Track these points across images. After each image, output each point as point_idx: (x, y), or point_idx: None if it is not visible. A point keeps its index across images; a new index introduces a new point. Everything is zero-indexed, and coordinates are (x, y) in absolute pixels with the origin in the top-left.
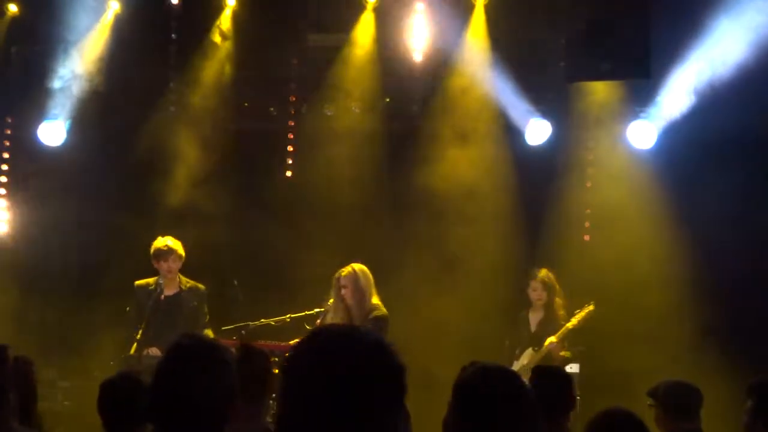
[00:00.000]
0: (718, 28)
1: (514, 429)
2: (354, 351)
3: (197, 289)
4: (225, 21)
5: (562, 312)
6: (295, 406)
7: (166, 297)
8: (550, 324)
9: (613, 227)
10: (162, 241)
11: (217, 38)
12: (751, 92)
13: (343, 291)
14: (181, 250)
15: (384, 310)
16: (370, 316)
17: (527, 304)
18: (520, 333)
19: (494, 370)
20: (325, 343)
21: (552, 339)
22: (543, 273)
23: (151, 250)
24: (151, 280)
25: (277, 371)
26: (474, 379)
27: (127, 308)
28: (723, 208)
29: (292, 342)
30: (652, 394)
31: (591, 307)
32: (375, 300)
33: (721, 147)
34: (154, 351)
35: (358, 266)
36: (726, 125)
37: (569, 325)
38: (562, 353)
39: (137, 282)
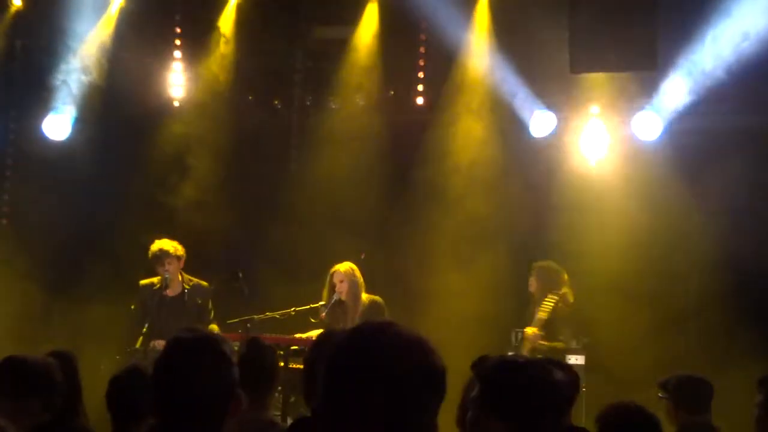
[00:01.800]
0: (724, 19)
1: (550, 419)
2: (396, 349)
3: (201, 286)
4: (227, 20)
5: (561, 305)
6: (334, 399)
7: (170, 296)
8: (550, 318)
9: (616, 219)
10: (157, 246)
11: (220, 38)
12: (757, 83)
13: (338, 285)
14: (178, 252)
15: (378, 298)
16: (370, 302)
17: (531, 299)
18: (524, 321)
19: (524, 361)
20: (369, 340)
21: (527, 330)
22: (537, 265)
23: (149, 256)
24: (155, 279)
25: (282, 364)
26: (505, 371)
27: (132, 306)
28: (729, 199)
29: (299, 335)
30: (663, 386)
31: (554, 296)
32: (365, 295)
33: (727, 138)
34: (160, 344)
35: (351, 263)
36: (731, 116)
37: (541, 314)
38: (545, 343)
39: (141, 281)
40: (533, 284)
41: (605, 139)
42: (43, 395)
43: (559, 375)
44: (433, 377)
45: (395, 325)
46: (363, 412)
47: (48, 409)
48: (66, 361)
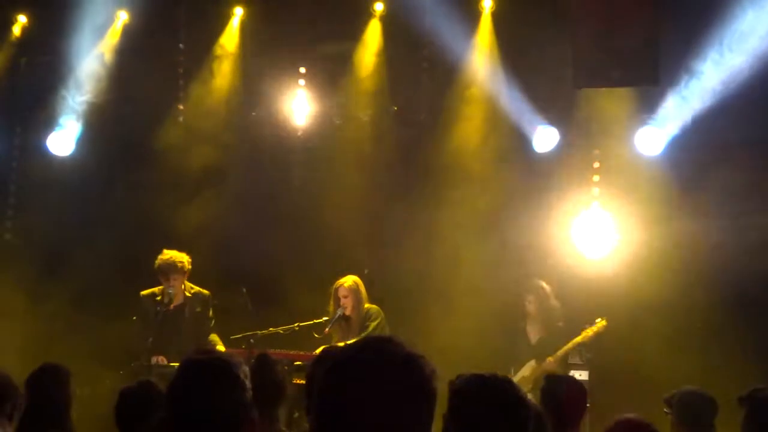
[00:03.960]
0: (726, 34)
1: None
2: (389, 366)
3: (201, 294)
4: (231, 37)
5: (561, 324)
6: (327, 415)
7: (172, 308)
8: (550, 336)
9: (621, 233)
10: (167, 256)
11: (224, 54)
12: (759, 98)
13: (343, 300)
14: (186, 266)
15: (375, 306)
16: (367, 315)
17: (524, 316)
18: (517, 345)
19: (488, 378)
20: (363, 356)
21: (550, 359)
22: (531, 285)
23: (156, 265)
24: (156, 289)
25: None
26: (468, 387)
27: (134, 317)
28: (731, 214)
29: (308, 352)
30: (668, 402)
31: (603, 323)
32: (367, 305)
33: (729, 153)
34: (161, 359)
35: (355, 277)
36: (734, 131)
37: (578, 339)
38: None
39: (143, 292)
40: (533, 303)
41: (607, 154)
42: (7, 407)
43: (522, 391)
44: (426, 395)
45: (391, 341)
46: (354, 428)
47: (11, 418)
48: (58, 375)
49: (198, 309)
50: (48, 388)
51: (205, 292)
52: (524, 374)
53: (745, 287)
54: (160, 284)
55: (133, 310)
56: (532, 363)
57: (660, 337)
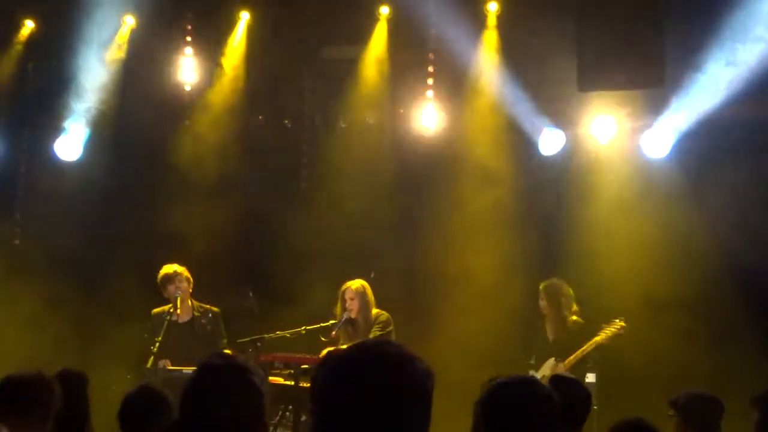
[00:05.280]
0: (732, 35)
1: None
2: (385, 367)
3: (210, 312)
4: (237, 41)
5: (574, 318)
6: (326, 417)
7: (180, 322)
8: (567, 335)
9: (627, 236)
10: (168, 268)
11: (230, 59)
12: (766, 99)
13: (349, 302)
14: (187, 273)
15: (386, 313)
16: (377, 321)
17: (542, 316)
18: (536, 341)
19: (516, 383)
20: (359, 358)
21: (570, 359)
22: (543, 286)
23: (159, 279)
24: (166, 307)
25: (292, 383)
26: (496, 394)
27: (145, 335)
28: (738, 216)
29: (315, 355)
30: (673, 404)
31: (622, 324)
32: (375, 310)
33: (736, 155)
34: (166, 362)
35: (363, 281)
36: (740, 133)
37: (597, 339)
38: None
39: (154, 310)
40: (545, 306)
41: (613, 156)
42: (41, 409)
43: (546, 390)
44: (422, 395)
45: (387, 343)
46: (352, 429)
47: (45, 421)
48: (75, 381)
49: (208, 327)
50: (67, 393)
51: (214, 309)
52: (545, 373)
53: (755, 287)
54: (168, 302)
55: (140, 314)
56: (552, 362)
57: (668, 338)
